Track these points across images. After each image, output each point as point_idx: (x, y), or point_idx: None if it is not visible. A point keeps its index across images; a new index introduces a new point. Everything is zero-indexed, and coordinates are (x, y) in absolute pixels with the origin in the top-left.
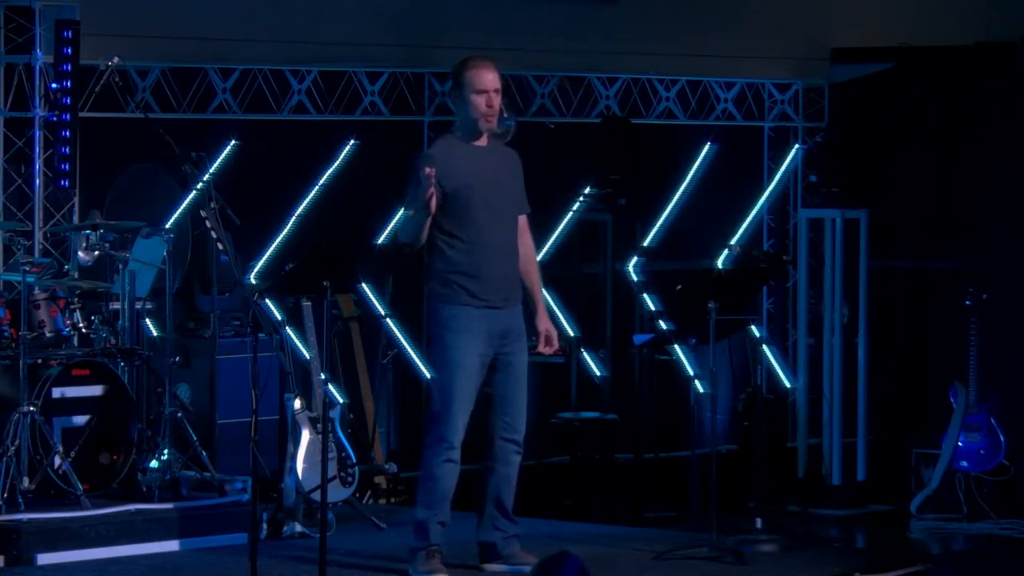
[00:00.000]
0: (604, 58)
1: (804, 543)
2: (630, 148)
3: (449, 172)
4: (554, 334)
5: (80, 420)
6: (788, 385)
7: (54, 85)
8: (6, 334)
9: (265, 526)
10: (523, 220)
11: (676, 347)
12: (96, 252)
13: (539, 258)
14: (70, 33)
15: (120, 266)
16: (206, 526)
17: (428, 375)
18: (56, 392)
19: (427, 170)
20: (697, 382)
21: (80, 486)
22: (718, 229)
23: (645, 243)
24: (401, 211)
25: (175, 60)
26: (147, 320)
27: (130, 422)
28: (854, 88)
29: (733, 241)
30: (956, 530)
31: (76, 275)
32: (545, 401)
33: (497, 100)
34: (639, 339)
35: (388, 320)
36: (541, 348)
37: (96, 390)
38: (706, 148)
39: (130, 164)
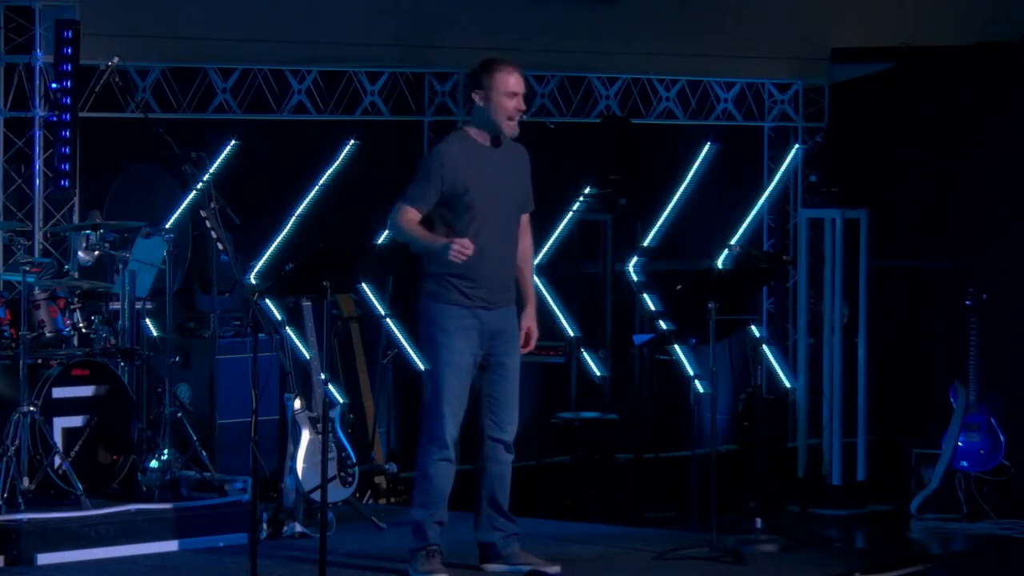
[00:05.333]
0: (604, 58)
1: (804, 543)
2: (630, 148)
3: (461, 174)
4: (535, 335)
5: (80, 420)
6: (788, 385)
7: (54, 85)
8: (6, 334)
9: (265, 526)
10: (525, 218)
11: (676, 347)
12: (96, 252)
13: (539, 258)
14: (70, 33)
15: (120, 266)
16: (206, 526)
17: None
18: (56, 392)
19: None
20: (697, 382)
21: (80, 486)
22: (718, 229)
23: (645, 243)
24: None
25: (175, 60)
26: (147, 320)
27: (130, 422)
28: (854, 88)
29: (733, 241)
30: (956, 530)
31: (76, 275)
32: (545, 401)
33: (522, 104)
34: (639, 339)
35: (388, 320)
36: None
37: (96, 390)
38: (706, 148)
39: (130, 164)
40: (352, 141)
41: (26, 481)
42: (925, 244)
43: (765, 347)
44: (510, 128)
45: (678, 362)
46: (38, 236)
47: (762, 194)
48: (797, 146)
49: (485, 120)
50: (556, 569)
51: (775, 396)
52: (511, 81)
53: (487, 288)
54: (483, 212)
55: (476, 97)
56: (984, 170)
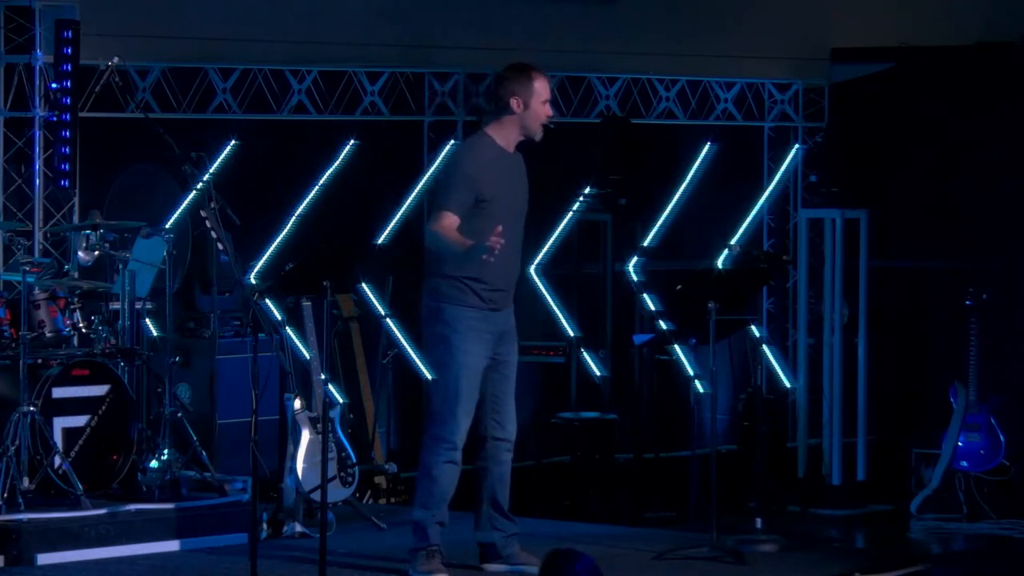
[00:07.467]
0: (604, 58)
1: (804, 543)
2: (630, 148)
3: (485, 178)
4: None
5: (80, 420)
6: (788, 385)
7: (54, 85)
8: (6, 334)
9: (265, 526)
10: None
11: (676, 347)
12: (96, 252)
13: (539, 258)
14: (70, 33)
15: (120, 266)
16: (206, 526)
17: (428, 375)
18: (56, 392)
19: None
20: (697, 382)
21: (80, 486)
22: (718, 229)
23: (645, 243)
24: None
25: (175, 60)
26: (147, 320)
27: (130, 422)
28: (854, 88)
29: (733, 241)
30: (956, 530)
31: (76, 275)
32: (545, 401)
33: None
34: (639, 339)
35: (388, 320)
36: None
37: (96, 390)
38: (706, 148)
39: (130, 164)
40: (352, 141)
41: (26, 481)
42: (925, 244)
43: (765, 347)
44: (541, 133)
45: (678, 362)
46: (38, 236)
47: (762, 194)
48: (797, 146)
49: (520, 126)
50: None
51: (775, 396)
52: (547, 88)
53: (499, 291)
54: (501, 217)
55: (514, 104)
56: (984, 170)
